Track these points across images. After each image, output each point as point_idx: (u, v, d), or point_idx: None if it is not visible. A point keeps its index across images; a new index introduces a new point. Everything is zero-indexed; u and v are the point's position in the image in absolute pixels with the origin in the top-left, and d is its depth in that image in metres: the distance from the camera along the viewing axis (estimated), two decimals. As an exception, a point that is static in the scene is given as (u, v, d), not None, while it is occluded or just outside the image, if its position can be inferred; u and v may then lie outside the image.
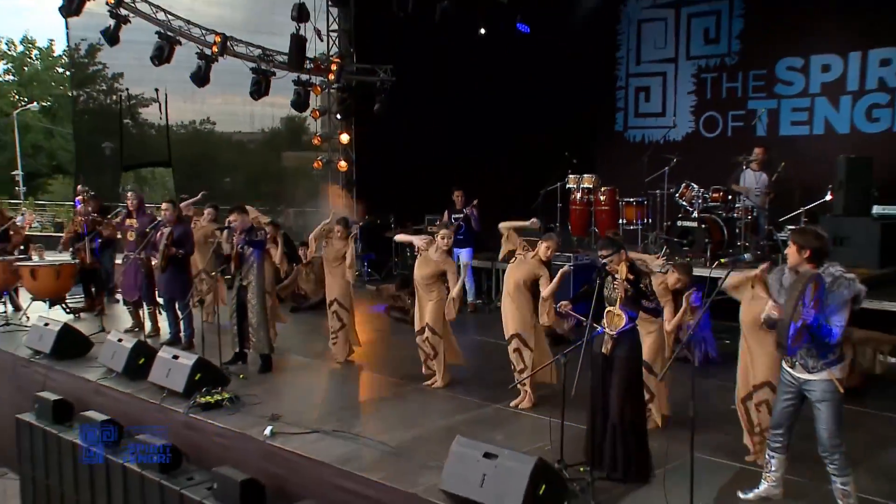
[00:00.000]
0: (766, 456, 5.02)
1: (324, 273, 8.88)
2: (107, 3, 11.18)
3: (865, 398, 6.94)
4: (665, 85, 14.25)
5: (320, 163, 14.52)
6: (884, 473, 5.51)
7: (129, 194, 10.10)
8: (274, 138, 19.52)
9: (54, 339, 8.71)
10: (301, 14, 12.44)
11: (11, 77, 42.97)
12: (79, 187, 11.85)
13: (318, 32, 13.58)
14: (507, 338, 7.10)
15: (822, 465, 4.73)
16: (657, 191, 11.52)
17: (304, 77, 13.12)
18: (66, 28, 15.77)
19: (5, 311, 10.97)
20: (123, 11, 11.34)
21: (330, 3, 13.81)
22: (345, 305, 8.56)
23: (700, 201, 10.85)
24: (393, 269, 13.63)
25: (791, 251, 4.58)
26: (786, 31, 12.52)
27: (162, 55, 11.64)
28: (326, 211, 9.39)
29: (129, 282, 9.73)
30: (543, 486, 4.74)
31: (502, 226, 7.35)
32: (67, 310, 11.11)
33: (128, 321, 10.21)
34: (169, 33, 11.67)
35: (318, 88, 13.67)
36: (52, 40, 44.11)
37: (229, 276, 8.67)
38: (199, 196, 10.97)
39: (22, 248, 11.86)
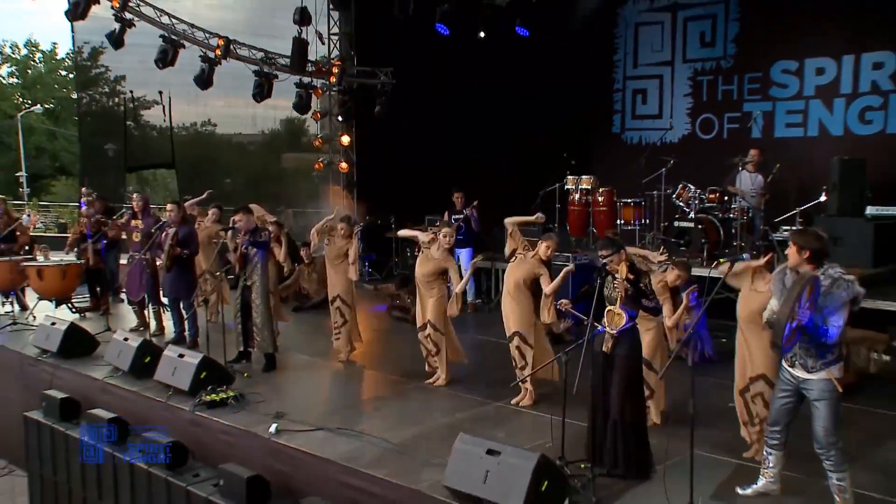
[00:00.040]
0: (764, 452, 5.05)
1: (326, 272, 8.91)
2: (112, 7, 11.17)
3: (859, 395, 6.95)
4: (662, 87, 14.27)
5: (322, 164, 14.54)
6: (879, 469, 5.54)
7: (134, 195, 10.16)
8: (273, 140, 19.61)
9: (61, 338, 8.73)
10: (303, 17, 12.45)
11: (15, 80, 42.99)
12: (84, 189, 11.87)
13: (320, 35, 13.58)
14: (508, 335, 7.13)
15: (818, 462, 4.74)
16: (654, 192, 11.56)
17: (306, 80, 13.13)
18: (72, 31, 15.80)
19: (12, 311, 10.99)
20: (128, 15, 11.33)
21: (331, 6, 13.82)
22: (347, 302, 8.58)
23: (697, 202, 10.88)
24: (393, 269, 13.63)
25: (792, 252, 4.61)
26: (780, 35, 12.54)
27: (166, 58, 11.63)
28: (328, 211, 9.39)
29: (133, 282, 9.78)
30: (546, 483, 4.76)
31: (508, 221, 7.36)
32: (73, 309, 11.12)
33: (132, 321, 10.24)
34: (173, 37, 11.67)
35: (320, 91, 13.69)
36: (55, 43, 44.22)
37: (231, 276, 8.68)
38: (205, 195, 10.97)
39: (26, 248, 11.87)
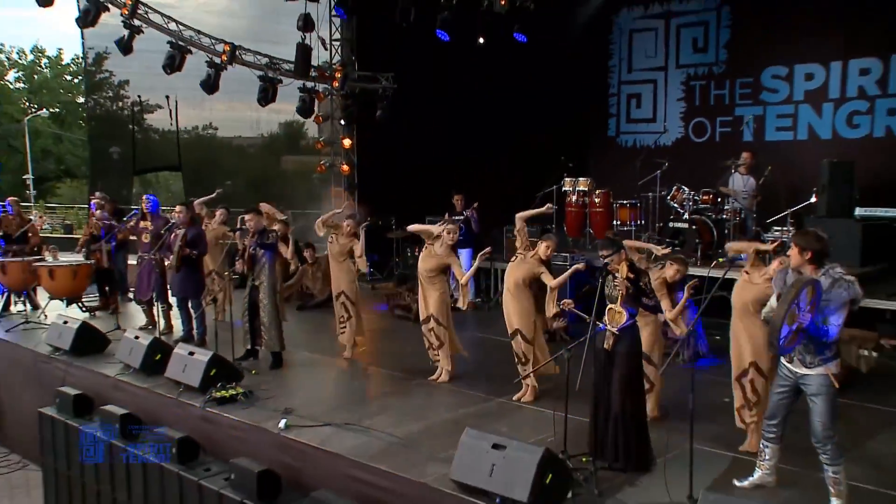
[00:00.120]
0: (761, 445, 5.09)
1: (330, 270, 8.94)
2: (121, 15, 11.21)
3: (850, 391, 6.99)
4: (656, 92, 14.32)
5: (324, 167, 14.56)
6: (870, 462, 5.59)
7: (143, 197, 10.16)
8: (273, 143, 19.63)
9: (73, 337, 8.72)
10: (306, 24, 12.46)
11: (22, 84, 42.94)
12: (97, 193, 11.91)
13: (323, 41, 13.61)
14: (510, 333, 7.17)
15: (813, 455, 4.78)
16: (650, 193, 11.63)
17: (309, 84, 13.15)
18: (82, 38, 15.80)
19: (24, 310, 10.99)
20: (137, 22, 11.38)
21: (333, 13, 13.84)
22: (351, 298, 8.62)
23: (690, 203, 10.95)
24: (394, 269, 13.65)
25: (793, 253, 4.64)
26: (771, 42, 12.60)
27: (173, 64, 11.67)
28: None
29: (143, 282, 9.78)
30: (550, 476, 4.78)
31: (519, 217, 7.38)
32: (83, 308, 11.12)
33: (141, 319, 10.23)
34: (180, 43, 11.70)
35: (322, 95, 13.71)
36: (60, 49, 44.20)
37: (236, 276, 8.70)
38: (215, 194, 10.98)
39: (35, 249, 11.86)
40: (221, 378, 7.28)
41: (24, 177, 36.98)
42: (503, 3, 11.80)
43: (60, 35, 72.54)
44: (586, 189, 11.95)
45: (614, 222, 11.71)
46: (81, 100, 42.49)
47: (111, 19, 11.62)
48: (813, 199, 10.12)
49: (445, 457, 5.53)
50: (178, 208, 9.16)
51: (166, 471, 6.54)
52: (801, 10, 12.04)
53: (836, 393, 4.63)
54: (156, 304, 9.80)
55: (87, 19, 11.17)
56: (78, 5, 11.87)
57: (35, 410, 8.26)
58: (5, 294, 11.29)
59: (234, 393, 7.12)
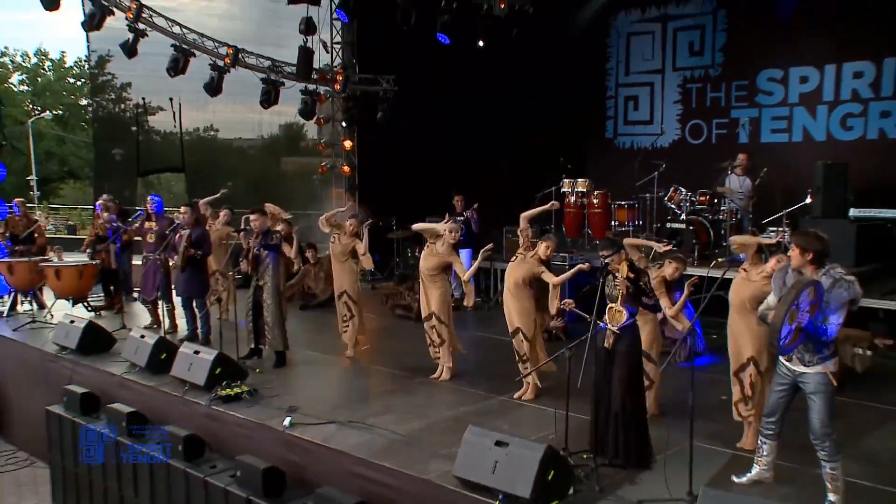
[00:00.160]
0: (759, 442, 5.11)
1: (332, 270, 8.95)
2: (126, 19, 11.22)
3: (845, 389, 6.98)
4: (653, 94, 14.32)
5: (325, 168, 14.57)
6: (865, 458, 5.61)
7: (148, 198, 10.17)
8: (273, 144, 19.65)
9: (80, 336, 8.74)
10: (308, 27, 12.47)
11: (26, 87, 42.90)
12: (104, 195, 11.95)
13: (324, 44, 13.62)
14: (510, 331, 7.19)
15: (810, 451, 4.80)
16: (647, 194, 11.66)
17: (311, 87, 13.16)
18: (88, 42, 15.83)
19: (31, 309, 11.01)
20: (141, 26, 11.39)
21: (334, 16, 13.85)
22: (353, 297, 8.63)
23: (687, 204, 10.97)
24: (395, 269, 13.67)
25: (795, 254, 4.66)
26: (766, 45, 12.61)
27: (177, 66, 11.68)
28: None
29: (148, 282, 9.78)
30: (552, 472, 4.81)
31: (524, 216, 7.40)
32: (89, 308, 11.13)
33: (145, 319, 10.25)
34: (184, 46, 11.71)
35: (324, 98, 13.73)
36: (63, 52, 44.20)
37: (240, 276, 8.70)
38: (220, 194, 10.98)
39: (41, 249, 11.87)
40: (226, 376, 7.30)
41: (27, 178, 36.94)
42: (502, 6, 11.83)
43: (61, 38, 72.60)
44: (585, 190, 11.99)
45: (612, 223, 11.75)
46: (84, 102, 42.64)
47: (114, 23, 11.62)
48: (808, 200, 10.14)
49: (448, 454, 5.55)
50: (182, 209, 9.18)
51: (173, 468, 6.58)
52: (795, 14, 12.05)
53: (835, 391, 4.65)
54: (160, 303, 9.82)
55: (92, 23, 11.18)
56: (83, 9, 11.89)
57: (42, 408, 8.29)
58: (12, 294, 11.29)
59: (239, 391, 7.14)
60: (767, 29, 12.45)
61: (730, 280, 5.83)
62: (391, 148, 13.34)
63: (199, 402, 7.12)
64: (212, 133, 19.74)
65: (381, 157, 13.72)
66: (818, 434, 4.66)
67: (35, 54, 43.20)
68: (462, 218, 11.12)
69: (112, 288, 11.32)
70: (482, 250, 7.61)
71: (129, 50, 11.52)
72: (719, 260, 5.51)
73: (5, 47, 42.59)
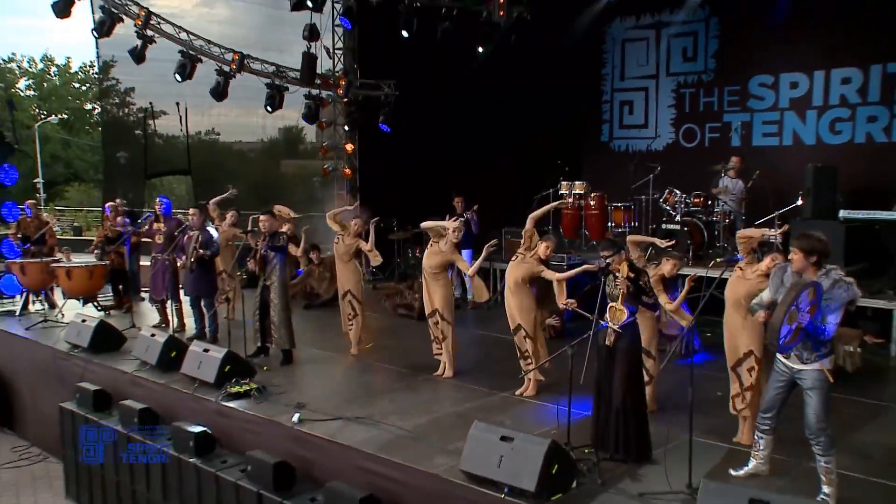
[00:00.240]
0: (755, 436, 5.16)
1: (335, 270, 8.97)
2: (135, 26, 11.25)
3: (836, 386, 7.02)
4: (647, 99, 14.40)
5: (328, 170, 14.60)
6: (857, 452, 5.66)
7: (157, 200, 10.19)
8: (272, 147, 19.66)
9: (91, 335, 8.75)
10: (312, 33, 12.49)
11: (32, 92, 42.84)
12: (118, 200, 11.98)
13: (327, 50, 13.65)
14: (512, 329, 7.21)
15: (804, 445, 4.85)
16: (643, 196, 11.73)
17: (314, 91, 13.19)
18: (97, 47, 15.89)
19: (42, 309, 11.03)
20: (149, 32, 11.41)
21: (336, 23, 13.87)
22: (357, 296, 8.66)
23: (682, 206, 11.04)
24: (396, 270, 13.69)
25: (798, 258, 4.66)
26: (757, 51, 12.69)
27: (185, 72, 11.70)
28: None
29: (157, 282, 9.81)
30: (556, 466, 4.84)
31: (531, 217, 7.41)
32: (99, 307, 11.13)
33: (154, 318, 10.25)
34: (191, 52, 11.73)
35: (327, 102, 13.75)
36: (69, 58, 44.10)
37: (246, 276, 8.71)
38: (228, 194, 10.99)
39: (52, 250, 11.87)
40: (235, 374, 7.32)
41: (34, 181, 36.89)
42: (501, 13, 11.88)
43: (67, 44, 72.50)
44: (582, 192, 12.06)
45: (609, 224, 11.79)
46: (89, 106, 42.59)
47: (119, 29, 11.63)
48: (799, 202, 10.21)
49: (453, 448, 5.59)
50: (191, 211, 9.21)
51: (184, 463, 6.59)
52: (785, 22, 12.12)
53: (830, 388, 4.70)
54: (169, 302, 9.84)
55: (102, 29, 11.21)
56: (93, 17, 11.91)
57: (54, 405, 8.31)
58: (24, 294, 11.30)
59: (248, 388, 7.16)
60: (759, 36, 12.52)
61: (726, 279, 5.88)
62: (392, 151, 13.38)
63: (209, 399, 7.14)
64: (213, 136, 19.76)
65: (382, 159, 13.74)
66: (814, 429, 4.70)
67: (41, 59, 43.23)
68: (462, 219, 11.14)
69: (121, 288, 11.33)
70: (487, 245, 7.63)
71: (138, 56, 11.54)
72: (717, 260, 5.55)
73: (12, 53, 42.61)
